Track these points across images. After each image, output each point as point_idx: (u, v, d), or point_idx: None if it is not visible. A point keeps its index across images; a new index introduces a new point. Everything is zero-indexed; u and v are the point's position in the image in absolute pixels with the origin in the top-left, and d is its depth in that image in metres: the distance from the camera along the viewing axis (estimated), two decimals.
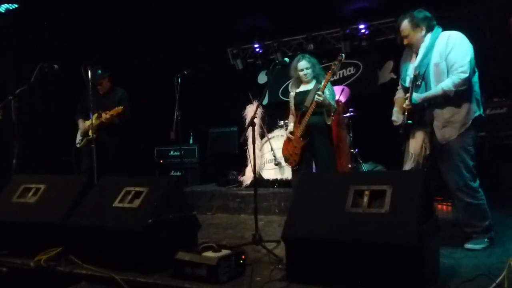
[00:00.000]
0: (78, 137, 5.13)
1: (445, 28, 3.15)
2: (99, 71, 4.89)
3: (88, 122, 4.91)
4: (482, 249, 2.95)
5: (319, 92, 3.88)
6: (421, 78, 3.05)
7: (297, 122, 4.12)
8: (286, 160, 4.31)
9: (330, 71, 3.98)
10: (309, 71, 4.13)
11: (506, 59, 5.21)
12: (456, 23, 5.58)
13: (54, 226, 3.04)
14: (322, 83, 3.98)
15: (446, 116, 2.99)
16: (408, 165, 3.19)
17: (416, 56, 3.12)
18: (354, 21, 6.57)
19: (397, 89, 3.41)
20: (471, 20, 5.75)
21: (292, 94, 4.30)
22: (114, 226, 2.82)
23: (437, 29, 3.09)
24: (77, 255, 2.85)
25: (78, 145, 5.06)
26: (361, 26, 6.54)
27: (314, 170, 4.21)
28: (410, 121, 3.10)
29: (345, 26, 6.68)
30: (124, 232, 2.77)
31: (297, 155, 4.09)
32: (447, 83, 2.91)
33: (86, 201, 3.14)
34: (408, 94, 3.04)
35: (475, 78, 3.01)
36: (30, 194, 3.39)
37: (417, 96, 3.00)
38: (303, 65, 4.13)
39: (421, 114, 3.10)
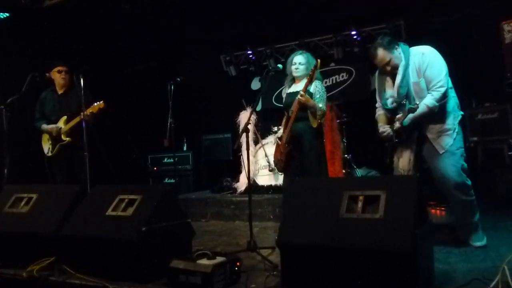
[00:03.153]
0: (47, 145, 4.62)
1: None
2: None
3: (53, 125, 4.52)
4: (486, 243, 3.11)
5: (301, 92, 3.68)
6: (403, 98, 3.22)
7: (285, 127, 4.00)
8: (275, 165, 4.19)
9: (308, 77, 3.84)
10: (302, 67, 3.90)
11: (496, 64, 5.26)
12: (443, 30, 5.68)
13: (47, 236, 3.01)
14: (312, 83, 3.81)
15: (437, 127, 3.15)
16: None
17: (394, 78, 3.23)
18: (346, 27, 6.63)
19: (376, 107, 3.50)
20: (458, 26, 5.82)
21: (284, 95, 4.13)
22: (107, 235, 2.80)
23: (404, 46, 3.24)
24: (70, 265, 2.81)
25: (49, 154, 4.57)
26: (353, 33, 6.59)
27: None
28: (397, 140, 3.29)
29: (337, 33, 6.75)
30: (117, 241, 2.74)
31: (282, 161, 3.95)
32: (430, 101, 3.08)
33: (79, 210, 3.11)
34: (397, 115, 3.24)
35: (450, 84, 3.16)
36: (22, 203, 3.35)
37: (407, 119, 3.17)
38: (297, 59, 3.93)
39: (409, 133, 3.26)
